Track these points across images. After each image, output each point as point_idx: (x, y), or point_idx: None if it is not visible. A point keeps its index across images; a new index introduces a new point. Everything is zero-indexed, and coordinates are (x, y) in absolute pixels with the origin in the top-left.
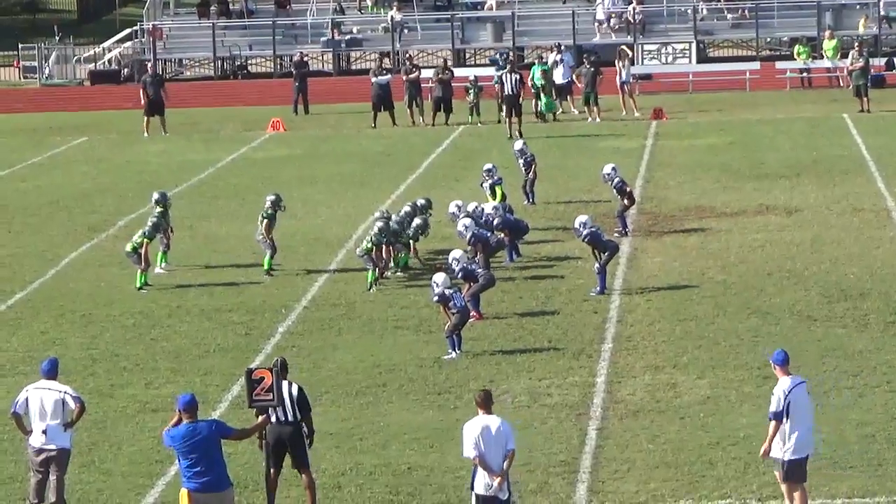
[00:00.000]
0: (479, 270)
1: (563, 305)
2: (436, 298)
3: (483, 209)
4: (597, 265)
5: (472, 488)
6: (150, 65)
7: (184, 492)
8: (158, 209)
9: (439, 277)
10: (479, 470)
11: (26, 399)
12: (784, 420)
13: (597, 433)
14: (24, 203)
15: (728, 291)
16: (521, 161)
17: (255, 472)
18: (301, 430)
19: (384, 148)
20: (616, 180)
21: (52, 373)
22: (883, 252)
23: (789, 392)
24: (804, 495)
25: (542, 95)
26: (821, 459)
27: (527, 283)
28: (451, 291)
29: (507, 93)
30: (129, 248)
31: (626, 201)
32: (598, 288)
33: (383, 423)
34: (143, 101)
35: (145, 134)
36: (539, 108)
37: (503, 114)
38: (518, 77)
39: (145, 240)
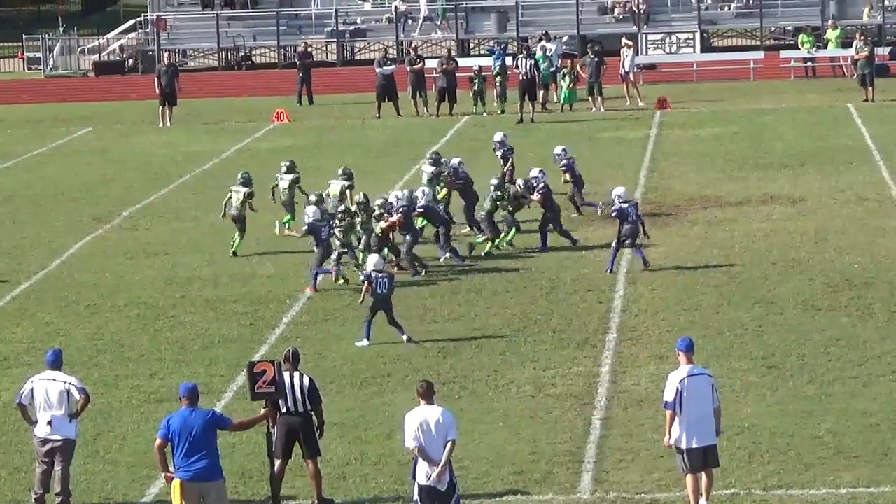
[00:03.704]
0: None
1: (568, 295)
2: (361, 277)
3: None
4: (614, 243)
5: (413, 478)
6: (165, 55)
7: (176, 482)
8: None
9: (372, 259)
10: (420, 460)
11: (31, 390)
12: (678, 410)
13: (601, 423)
14: (28, 194)
15: (732, 281)
16: (499, 152)
17: (260, 461)
18: (311, 421)
19: (388, 138)
20: (564, 161)
21: (56, 363)
22: (887, 241)
23: (683, 381)
24: (710, 482)
25: (563, 85)
26: (825, 449)
27: (531, 273)
28: (380, 275)
29: (521, 77)
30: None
31: (572, 182)
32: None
33: (388, 413)
34: (157, 91)
35: (160, 124)
36: (544, 99)
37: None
38: (533, 62)
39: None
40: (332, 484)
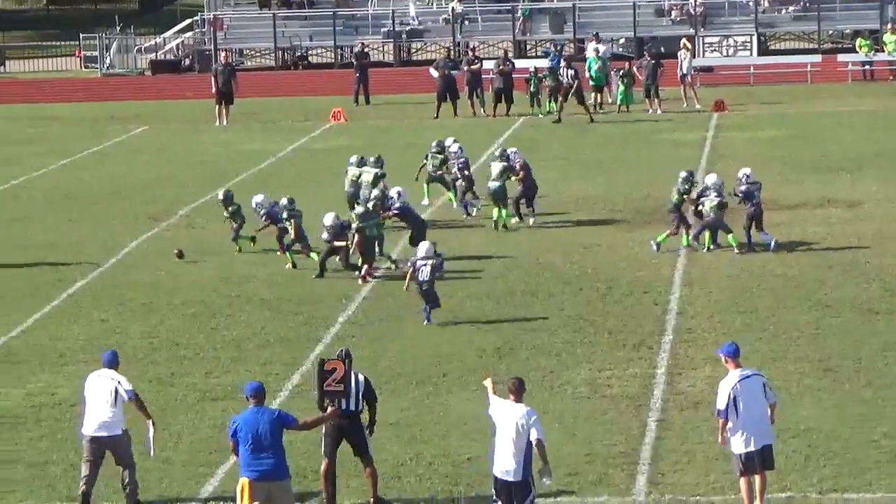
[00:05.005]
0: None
1: (624, 297)
2: (408, 265)
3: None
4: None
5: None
6: (222, 55)
7: (244, 480)
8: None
9: (423, 246)
10: (497, 452)
11: (85, 387)
12: (734, 416)
13: (657, 425)
14: (84, 192)
15: (789, 284)
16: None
17: (314, 461)
18: (360, 421)
19: (445, 138)
20: (462, 160)
21: (112, 363)
22: None
23: (736, 386)
24: (764, 484)
25: (620, 86)
26: (881, 452)
27: (587, 275)
28: (423, 263)
29: (564, 87)
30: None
31: (464, 182)
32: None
33: (443, 413)
34: (213, 90)
35: (217, 123)
36: (598, 101)
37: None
38: (574, 71)
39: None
40: (386, 484)
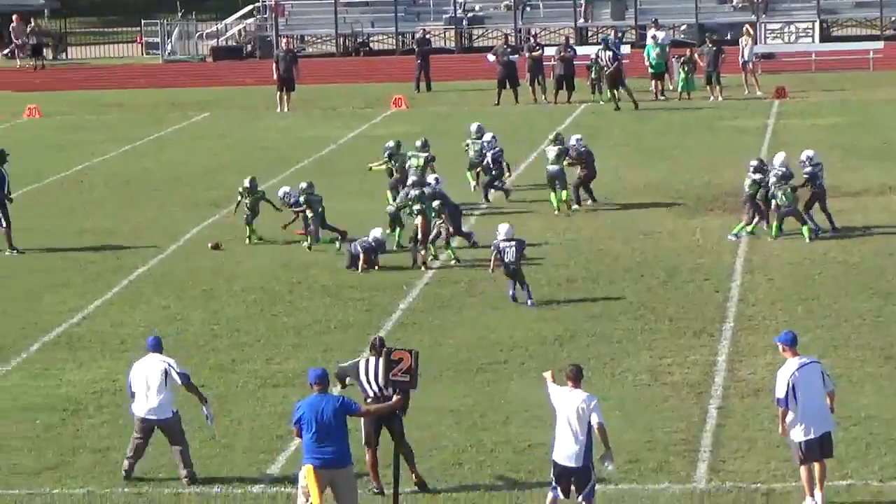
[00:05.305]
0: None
1: (685, 284)
2: (492, 247)
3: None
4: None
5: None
6: (283, 41)
7: (308, 467)
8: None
9: (503, 227)
10: (558, 439)
11: (132, 374)
12: (793, 404)
13: (718, 412)
14: (145, 178)
15: (850, 272)
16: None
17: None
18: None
19: (506, 125)
20: (496, 150)
21: (157, 347)
22: None
23: (794, 374)
24: (824, 472)
25: (681, 73)
26: None
27: (648, 262)
28: (508, 244)
29: (605, 68)
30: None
31: (494, 171)
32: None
33: (504, 401)
34: (274, 77)
35: (278, 109)
36: (658, 88)
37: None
38: (612, 53)
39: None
40: (447, 471)
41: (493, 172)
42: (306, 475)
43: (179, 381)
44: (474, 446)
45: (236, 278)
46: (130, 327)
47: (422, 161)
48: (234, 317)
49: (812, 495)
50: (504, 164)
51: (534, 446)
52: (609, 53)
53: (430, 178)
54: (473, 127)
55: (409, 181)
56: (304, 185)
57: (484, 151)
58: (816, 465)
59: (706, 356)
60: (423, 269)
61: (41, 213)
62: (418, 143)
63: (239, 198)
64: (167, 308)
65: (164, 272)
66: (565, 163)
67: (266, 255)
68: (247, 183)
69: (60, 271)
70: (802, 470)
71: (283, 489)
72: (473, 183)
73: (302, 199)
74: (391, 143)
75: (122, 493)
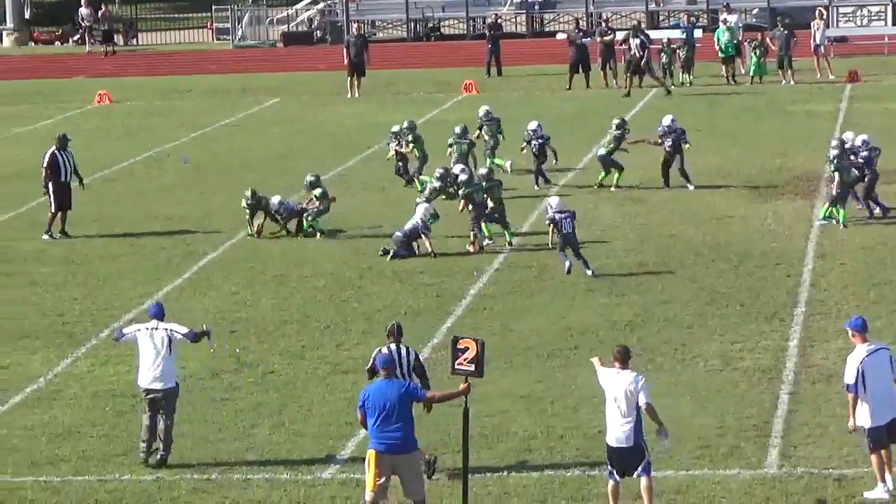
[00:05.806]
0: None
1: (756, 269)
2: (547, 221)
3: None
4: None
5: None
6: (354, 26)
7: (371, 452)
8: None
9: (553, 200)
10: (608, 421)
11: (135, 338)
12: (862, 390)
13: (789, 398)
14: (216, 164)
15: None
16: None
17: (444, 434)
18: None
19: (577, 110)
20: (540, 139)
21: (160, 315)
22: None
23: (864, 360)
24: (890, 457)
25: (753, 57)
26: None
27: (719, 247)
28: (563, 216)
29: (630, 56)
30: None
31: (537, 161)
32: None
33: (574, 387)
34: (345, 62)
35: (349, 94)
36: (729, 72)
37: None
38: (640, 41)
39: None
40: (518, 456)
41: (540, 160)
42: (368, 460)
43: (188, 340)
44: (544, 432)
45: (305, 264)
46: (200, 313)
47: (465, 148)
48: (303, 303)
49: (883, 480)
50: (551, 150)
51: (604, 432)
52: (637, 41)
53: (456, 169)
54: (458, 129)
55: (457, 167)
56: (311, 177)
57: (531, 140)
58: (884, 452)
59: (777, 341)
60: (472, 249)
61: (112, 199)
62: (457, 130)
63: (247, 212)
64: (236, 294)
65: (234, 258)
66: (650, 142)
67: (336, 240)
68: (248, 193)
69: (130, 257)
70: (874, 457)
71: (352, 475)
72: (509, 163)
73: (318, 191)
74: (458, 128)
75: (191, 478)
